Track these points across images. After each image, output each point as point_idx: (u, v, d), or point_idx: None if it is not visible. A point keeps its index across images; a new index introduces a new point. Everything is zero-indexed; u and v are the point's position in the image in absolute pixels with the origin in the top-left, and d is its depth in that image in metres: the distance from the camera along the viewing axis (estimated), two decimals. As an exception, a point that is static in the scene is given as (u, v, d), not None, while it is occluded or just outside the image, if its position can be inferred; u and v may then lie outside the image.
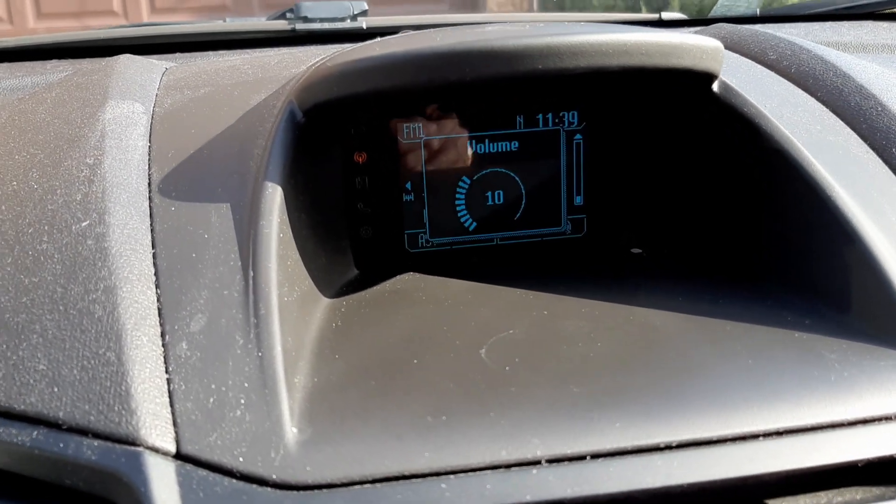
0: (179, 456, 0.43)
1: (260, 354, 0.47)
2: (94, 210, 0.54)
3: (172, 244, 0.53)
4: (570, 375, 0.49)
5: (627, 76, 0.59)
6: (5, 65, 1.03)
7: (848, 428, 0.46)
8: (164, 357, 0.47)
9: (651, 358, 0.51)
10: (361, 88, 0.58)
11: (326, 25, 1.12)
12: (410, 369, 0.51)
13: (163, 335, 0.48)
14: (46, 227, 0.53)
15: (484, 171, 0.69)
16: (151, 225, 0.55)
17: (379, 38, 0.72)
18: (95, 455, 0.42)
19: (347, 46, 0.72)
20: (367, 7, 1.19)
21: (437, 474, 0.42)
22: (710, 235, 0.67)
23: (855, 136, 0.65)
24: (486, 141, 0.69)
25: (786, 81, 0.73)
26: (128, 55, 0.84)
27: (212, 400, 0.45)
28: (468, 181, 0.69)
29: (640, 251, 0.71)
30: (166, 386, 0.45)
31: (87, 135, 0.62)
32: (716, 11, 1.53)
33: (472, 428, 0.45)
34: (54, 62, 1.04)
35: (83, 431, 0.43)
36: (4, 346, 0.47)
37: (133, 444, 0.43)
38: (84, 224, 0.53)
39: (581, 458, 0.43)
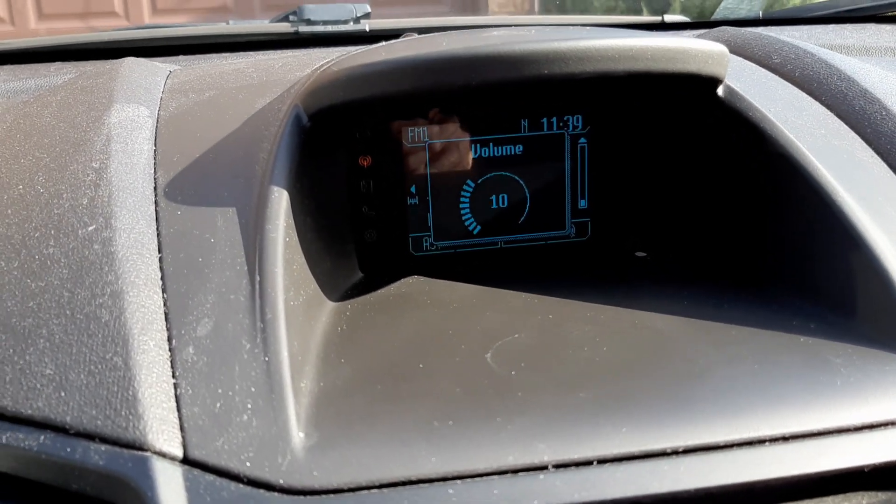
0: (186, 461, 0.43)
1: (266, 359, 0.47)
2: (100, 214, 0.54)
3: (179, 248, 0.53)
4: (576, 380, 0.49)
5: (632, 80, 0.59)
6: (8, 67, 1.03)
7: (854, 433, 0.46)
8: (171, 361, 0.47)
9: (657, 363, 0.51)
10: (367, 93, 0.58)
11: (330, 28, 1.12)
12: (416, 374, 0.51)
13: (169, 340, 0.48)
14: (53, 232, 0.53)
15: (488, 175, 0.69)
16: (157, 229, 0.55)
17: (384, 42, 0.73)
18: (102, 460, 0.42)
19: (351, 49, 0.72)
20: (369, 10, 1.19)
21: (444, 479, 0.42)
22: (715, 239, 0.67)
23: (859, 140, 0.65)
24: (491, 144, 0.69)
25: (790, 85, 0.73)
26: (132, 58, 0.84)
27: (219, 404, 0.45)
28: (472, 185, 0.69)
29: (645, 255, 0.71)
30: (173, 390, 0.45)
31: (92, 138, 0.62)
32: (718, 14, 1.53)
33: (478, 433, 0.45)
34: (57, 65, 1.03)
35: (90, 436, 0.43)
36: (11, 351, 0.47)
37: (140, 448, 0.43)
38: (90, 228, 0.53)
39: (588, 463, 0.43)
